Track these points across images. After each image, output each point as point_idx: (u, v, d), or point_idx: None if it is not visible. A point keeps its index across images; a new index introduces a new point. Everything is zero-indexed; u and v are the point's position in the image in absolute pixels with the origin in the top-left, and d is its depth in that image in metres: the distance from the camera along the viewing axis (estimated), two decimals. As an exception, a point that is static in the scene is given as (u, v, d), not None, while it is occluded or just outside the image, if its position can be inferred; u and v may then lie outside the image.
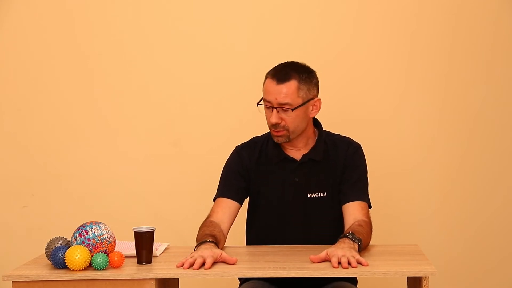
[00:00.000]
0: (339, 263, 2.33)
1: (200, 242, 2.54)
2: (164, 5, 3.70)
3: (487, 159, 3.68)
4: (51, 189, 3.74)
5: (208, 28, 3.70)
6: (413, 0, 3.65)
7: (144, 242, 2.43)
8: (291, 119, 2.69)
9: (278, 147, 2.80)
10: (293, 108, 2.68)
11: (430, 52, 3.65)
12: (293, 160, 2.78)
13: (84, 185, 3.74)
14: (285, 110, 2.68)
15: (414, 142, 3.68)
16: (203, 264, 2.36)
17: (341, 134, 2.87)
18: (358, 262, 2.35)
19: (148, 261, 2.44)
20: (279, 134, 2.71)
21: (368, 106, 3.68)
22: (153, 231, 2.45)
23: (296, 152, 2.79)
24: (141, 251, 2.44)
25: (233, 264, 2.41)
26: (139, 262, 2.44)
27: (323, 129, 2.84)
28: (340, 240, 2.49)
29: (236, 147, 2.88)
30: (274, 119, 2.69)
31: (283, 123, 2.70)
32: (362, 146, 2.84)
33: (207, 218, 2.75)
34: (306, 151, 2.79)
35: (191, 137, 3.73)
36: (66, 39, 3.72)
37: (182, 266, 2.36)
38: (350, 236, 2.50)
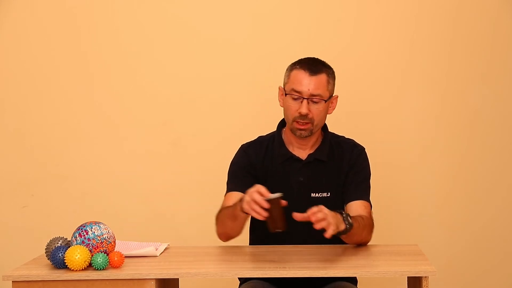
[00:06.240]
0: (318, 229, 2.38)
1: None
2: (164, 4, 3.70)
3: (487, 158, 3.68)
4: (51, 189, 3.74)
5: (209, 27, 3.70)
6: (413, 0, 3.65)
7: (275, 208, 2.41)
8: (319, 112, 2.70)
9: (284, 146, 2.80)
10: (325, 99, 2.70)
11: (429, 51, 3.65)
12: (298, 159, 2.78)
13: (84, 185, 3.74)
14: (315, 102, 2.69)
15: (414, 142, 3.68)
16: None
17: (346, 137, 2.87)
18: (329, 233, 2.38)
19: (282, 227, 2.43)
20: (304, 127, 2.71)
21: (368, 106, 3.68)
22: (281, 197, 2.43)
23: (302, 152, 2.79)
24: (277, 217, 2.41)
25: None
26: (273, 230, 2.43)
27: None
28: (333, 211, 2.49)
29: (241, 145, 2.87)
30: (304, 110, 2.68)
31: (310, 115, 2.70)
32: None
33: (221, 209, 2.73)
34: (311, 151, 2.79)
35: (191, 137, 3.73)
36: (67, 38, 3.72)
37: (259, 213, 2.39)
38: (344, 215, 2.51)
